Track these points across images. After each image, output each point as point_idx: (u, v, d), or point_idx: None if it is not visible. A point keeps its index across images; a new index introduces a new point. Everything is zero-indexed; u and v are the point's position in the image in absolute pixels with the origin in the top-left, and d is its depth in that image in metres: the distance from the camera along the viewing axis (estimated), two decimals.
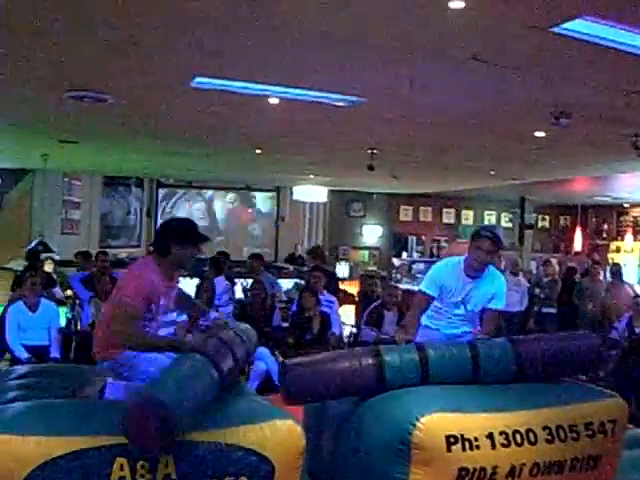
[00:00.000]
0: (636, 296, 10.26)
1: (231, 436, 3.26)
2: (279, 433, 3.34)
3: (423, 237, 19.01)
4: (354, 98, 6.53)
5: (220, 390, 3.52)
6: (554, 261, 14.19)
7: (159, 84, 6.37)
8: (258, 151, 10.61)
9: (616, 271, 12.32)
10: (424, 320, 5.58)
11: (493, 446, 3.49)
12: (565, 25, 4.25)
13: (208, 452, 3.22)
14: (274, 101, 6.74)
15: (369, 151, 9.70)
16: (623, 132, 7.44)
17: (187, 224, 4.34)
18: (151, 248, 5.07)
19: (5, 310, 8.16)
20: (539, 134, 7.88)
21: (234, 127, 8.64)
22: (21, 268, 10.86)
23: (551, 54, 4.91)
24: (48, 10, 4.38)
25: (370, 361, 3.82)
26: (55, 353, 7.88)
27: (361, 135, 8.80)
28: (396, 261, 18.24)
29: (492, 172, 12.07)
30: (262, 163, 12.26)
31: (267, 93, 6.52)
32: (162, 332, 4.49)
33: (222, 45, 5.06)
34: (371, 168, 10.15)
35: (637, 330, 8.59)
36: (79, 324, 8.79)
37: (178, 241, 4.13)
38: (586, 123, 6.91)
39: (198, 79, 6.02)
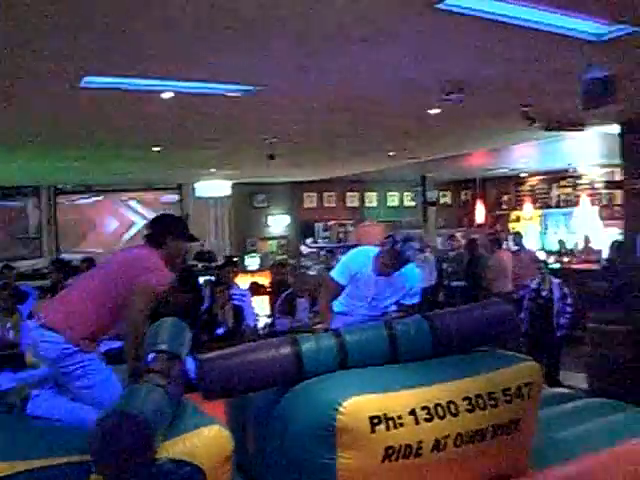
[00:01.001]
0: (538, 261, 10.59)
1: (161, 450, 3.21)
2: (207, 440, 3.32)
3: (329, 222, 19.09)
4: (246, 87, 6.47)
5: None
6: (459, 235, 14.51)
7: (47, 86, 6.15)
8: (156, 148, 10.42)
9: (493, 240, 12.56)
10: (337, 307, 5.56)
11: (417, 422, 3.52)
12: (447, 1, 4.30)
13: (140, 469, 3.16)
14: (168, 95, 6.62)
15: (268, 140, 9.66)
16: (513, 102, 7.62)
17: (181, 220, 4.37)
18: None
19: None
20: (433, 111, 7.99)
21: (129, 125, 8.45)
22: None
23: (435, 30, 4.96)
24: None
25: (287, 350, 3.80)
26: None
27: (258, 124, 8.75)
28: (304, 248, 18.29)
29: (391, 153, 12.20)
30: (161, 160, 12.05)
31: (160, 88, 6.39)
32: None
33: (109, 42, 4.92)
34: (272, 157, 10.12)
35: (543, 293, 8.84)
36: None
37: (175, 234, 4.10)
38: (477, 96, 7.03)
39: (87, 78, 5.85)
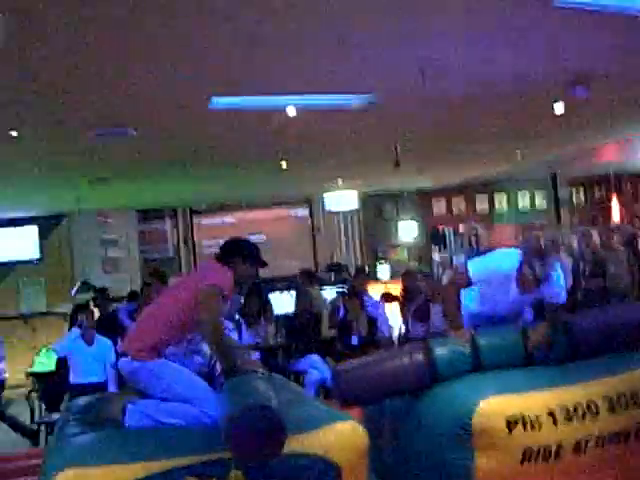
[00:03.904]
0: None
1: (296, 443, 3.26)
2: (342, 436, 3.34)
3: (459, 227, 18.85)
4: (369, 96, 6.53)
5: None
6: (594, 232, 13.98)
7: (177, 109, 6.43)
8: (283, 164, 10.62)
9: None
10: (471, 305, 5.49)
11: (555, 423, 3.47)
12: None
13: (276, 462, 3.23)
14: (292, 111, 6.76)
15: (394, 148, 9.65)
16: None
17: (254, 245, 4.41)
18: None
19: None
20: (559, 106, 7.77)
21: (255, 143, 8.66)
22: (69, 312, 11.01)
23: (555, 26, 4.91)
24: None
25: (420, 356, 3.82)
26: (112, 388, 7.94)
27: (383, 132, 8.76)
28: (436, 256, 18.15)
29: (518, 151, 11.95)
30: (289, 175, 12.26)
31: (285, 104, 6.54)
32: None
33: (237, 63, 5.12)
34: (397, 164, 10.09)
35: None
36: None
37: (245, 257, 4.20)
38: (603, 89, 6.82)
39: (215, 99, 6.07)
